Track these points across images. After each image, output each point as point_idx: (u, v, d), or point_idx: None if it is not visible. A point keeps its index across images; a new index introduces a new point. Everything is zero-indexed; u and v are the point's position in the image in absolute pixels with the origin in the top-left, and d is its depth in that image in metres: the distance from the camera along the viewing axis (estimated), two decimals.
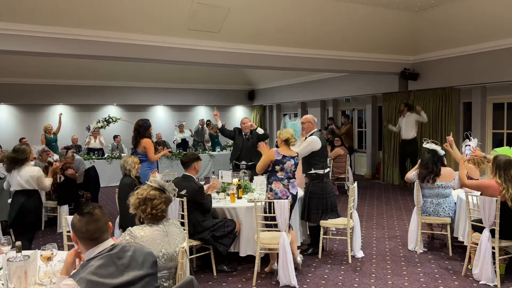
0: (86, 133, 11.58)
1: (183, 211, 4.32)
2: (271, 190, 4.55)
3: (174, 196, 2.89)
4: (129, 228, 2.63)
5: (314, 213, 5.10)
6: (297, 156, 4.62)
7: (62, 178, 6.56)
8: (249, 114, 16.76)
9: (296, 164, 4.58)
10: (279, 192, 4.50)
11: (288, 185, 4.53)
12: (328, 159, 5.57)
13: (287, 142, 4.55)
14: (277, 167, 4.50)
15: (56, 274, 2.53)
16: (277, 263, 4.35)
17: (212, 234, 4.47)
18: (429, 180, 5.16)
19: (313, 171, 5.11)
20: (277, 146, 4.71)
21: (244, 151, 6.76)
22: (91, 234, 2.02)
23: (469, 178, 5.55)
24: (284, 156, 4.49)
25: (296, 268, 4.67)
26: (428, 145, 5.37)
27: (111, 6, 6.32)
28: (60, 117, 11.30)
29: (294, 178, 4.62)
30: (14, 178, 4.65)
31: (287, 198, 4.46)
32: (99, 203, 7.81)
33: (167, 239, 2.64)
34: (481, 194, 4.36)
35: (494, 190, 4.16)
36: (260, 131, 6.87)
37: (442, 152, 5.31)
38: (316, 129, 5.30)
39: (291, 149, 4.61)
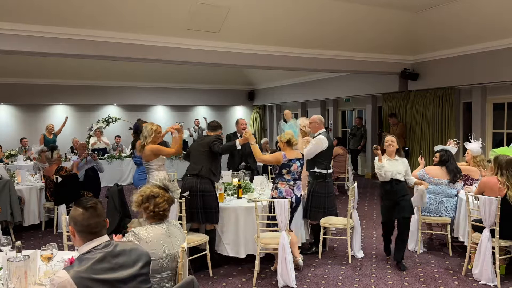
0: (86, 134, 11.55)
1: (181, 212, 4.35)
2: (276, 188, 4.63)
3: (177, 197, 2.89)
4: (133, 229, 2.63)
5: (315, 211, 5.18)
6: (303, 158, 4.65)
7: (60, 179, 6.54)
8: (249, 114, 16.75)
9: (302, 165, 4.65)
10: (284, 191, 4.57)
11: (293, 186, 4.60)
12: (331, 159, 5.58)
13: (289, 143, 4.59)
14: (284, 171, 4.57)
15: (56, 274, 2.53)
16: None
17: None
18: (457, 180, 5.25)
19: (317, 170, 5.17)
20: (277, 148, 4.74)
21: (244, 155, 6.26)
22: (92, 227, 2.03)
23: (470, 179, 5.61)
24: (290, 160, 4.54)
25: (297, 269, 4.68)
26: (443, 146, 5.66)
27: (111, 6, 6.31)
28: (66, 119, 11.53)
29: (300, 180, 4.68)
30: None
31: (290, 198, 4.52)
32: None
33: (170, 239, 2.64)
34: (483, 193, 4.39)
35: (492, 184, 4.29)
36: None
37: (455, 149, 5.70)
38: (323, 129, 5.34)
39: (295, 150, 4.64)
